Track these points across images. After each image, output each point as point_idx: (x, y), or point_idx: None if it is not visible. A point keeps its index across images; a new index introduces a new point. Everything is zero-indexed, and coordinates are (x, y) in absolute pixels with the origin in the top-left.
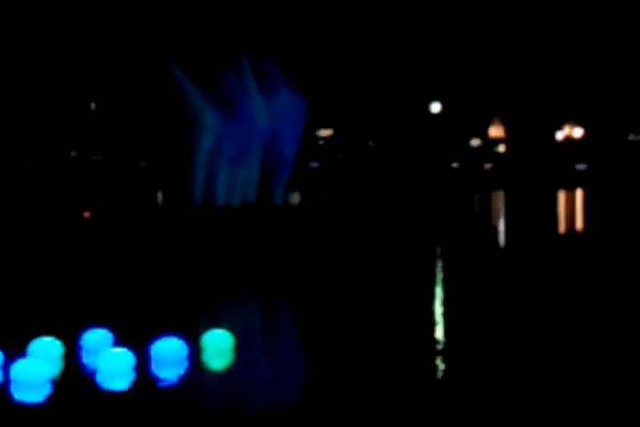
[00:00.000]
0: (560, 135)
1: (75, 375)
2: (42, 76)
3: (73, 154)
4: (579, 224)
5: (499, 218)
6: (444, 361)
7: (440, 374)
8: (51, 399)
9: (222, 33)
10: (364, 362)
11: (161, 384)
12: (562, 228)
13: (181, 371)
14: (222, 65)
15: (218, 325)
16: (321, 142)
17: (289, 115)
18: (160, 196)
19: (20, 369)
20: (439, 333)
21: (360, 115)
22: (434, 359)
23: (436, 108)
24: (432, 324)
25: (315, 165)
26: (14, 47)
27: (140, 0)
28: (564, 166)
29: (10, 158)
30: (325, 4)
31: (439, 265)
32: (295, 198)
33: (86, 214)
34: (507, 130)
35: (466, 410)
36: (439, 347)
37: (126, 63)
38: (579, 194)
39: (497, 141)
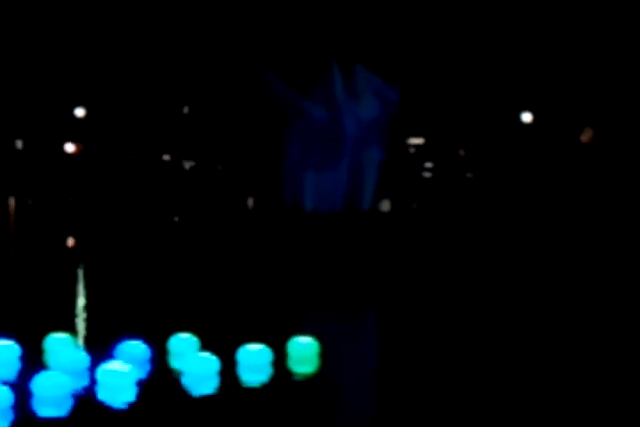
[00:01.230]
0: None
1: (160, 379)
2: (138, 79)
3: (165, 158)
4: None
5: None
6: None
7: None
8: (136, 403)
9: (314, 38)
10: (450, 374)
11: (247, 387)
12: None
13: (266, 377)
14: (312, 71)
15: (303, 332)
16: (411, 150)
17: (379, 121)
18: (251, 201)
19: (105, 372)
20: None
21: (452, 123)
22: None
23: (527, 117)
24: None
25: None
26: (111, 50)
27: (231, 5)
28: None
29: (104, 163)
30: (421, 9)
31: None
32: (385, 206)
33: (176, 218)
34: None
35: None
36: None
37: (219, 68)
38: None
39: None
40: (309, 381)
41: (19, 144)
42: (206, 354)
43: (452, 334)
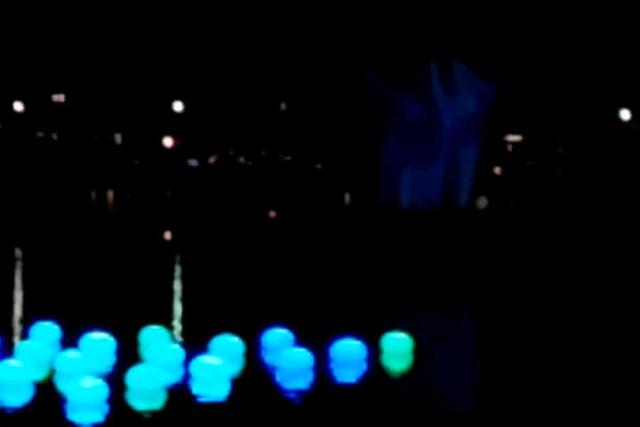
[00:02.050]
0: None
1: (255, 374)
2: (237, 74)
3: (263, 153)
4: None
5: None
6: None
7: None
8: (229, 397)
9: (411, 34)
10: (545, 371)
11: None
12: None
13: (360, 373)
14: (409, 67)
15: (398, 327)
16: (509, 148)
17: (476, 118)
18: (347, 197)
19: (199, 366)
20: None
21: (550, 121)
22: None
23: (625, 115)
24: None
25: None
26: (210, 46)
27: (329, 2)
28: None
29: (202, 157)
30: (518, 4)
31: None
32: (482, 203)
33: (272, 214)
34: None
35: None
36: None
37: (317, 65)
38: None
39: None
40: (403, 377)
41: (118, 138)
42: (300, 349)
43: (548, 330)
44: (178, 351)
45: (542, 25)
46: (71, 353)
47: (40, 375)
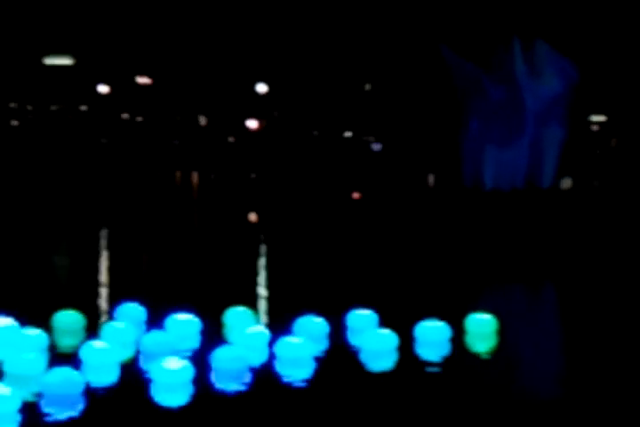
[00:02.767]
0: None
1: (339, 355)
2: (319, 56)
3: (347, 134)
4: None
5: None
6: None
7: None
8: (314, 378)
9: (494, 14)
10: (629, 358)
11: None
12: None
13: (444, 353)
14: (493, 47)
15: (483, 309)
16: (595, 128)
17: (560, 98)
18: (432, 178)
19: (284, 346)
20: None
21: (635, 101)
22: None
23: None
24: None
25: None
26: (293, 29)
27: None
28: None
29: (286, 139)
30: None
31: None
32: (567, 183)
33: (356, 195)
34: None
35: None
36: None
37: (400, 45)
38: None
39: None
40: (488, 358)
41: (202, 120)
42: (385, 330)
43: (631, 313)
44: (262, 333)
45: (627, 4)
46: (156, 334)
47: (125, 356)
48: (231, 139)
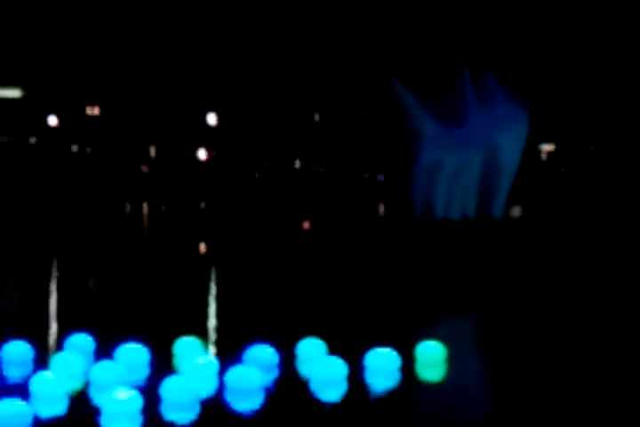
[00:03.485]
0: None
1: (289, 384)
2: (269, 86)
3: (297, 164)
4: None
5: None
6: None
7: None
8: (265, 407)
9: (443, 45)
10: (572, 381)
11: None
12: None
13: (394, 382)
14: (443, 78)
15: (432, 336)
16: (543, 157)
17: (510, 127)
18: (382, 208)
19: (234, 376)
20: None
21: (583, 130)
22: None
23: None
24: None
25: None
26: (244, 59)
27: (362, 13)
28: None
29: (236, 169)
30: (550, 18)
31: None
32: (517, 212)
33: (306, 225)
34: None
35: None
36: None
37: (349, 75)
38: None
39: None
40: (437, 386)
41: (152, 151)
42: (334, 359)
43: (578, 338)
44: (212, 363)
45: (571, 35)
46: (106, 364)
47: (75, 387)
48: (181, 169)
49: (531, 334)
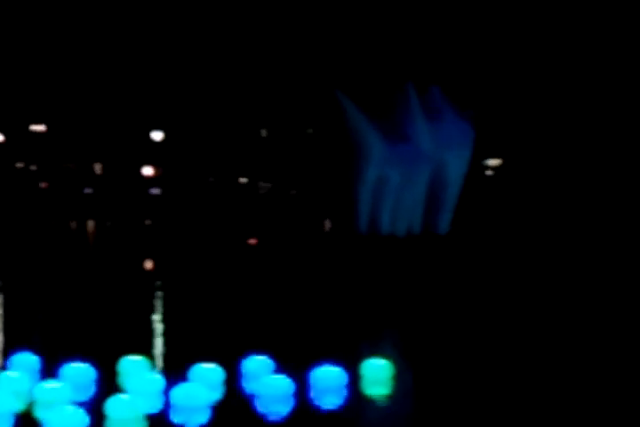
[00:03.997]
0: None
1: (235, 401)
2: (214, 102)
3: (242, 180)
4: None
5: None
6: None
7: None
8: (210, 424)
9: (388, 61)
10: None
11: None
12: None
13: (340, 399)
14: (388, 93)
15: (378, 353)
16: (489, 172)
17: (456, 143)
18: (327, 223)
19: (180, 394)
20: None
21: (526, 145)
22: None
23: (604, 139)
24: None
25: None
26: (187, 74)
27: (308, 29)
28: None
29: (180, 185)
30: (498, 33)
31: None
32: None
33: (252, 241)
34: None
35: None
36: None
37: (294, 90)
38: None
39: None
40: (384, 403)
41: (97, 168)
42: (280, 376)
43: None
44: (157, 380)
45: (516, 47)
46: (51, 383)
47: (20, 406)
48: (126, 186)
49: (473, 347)
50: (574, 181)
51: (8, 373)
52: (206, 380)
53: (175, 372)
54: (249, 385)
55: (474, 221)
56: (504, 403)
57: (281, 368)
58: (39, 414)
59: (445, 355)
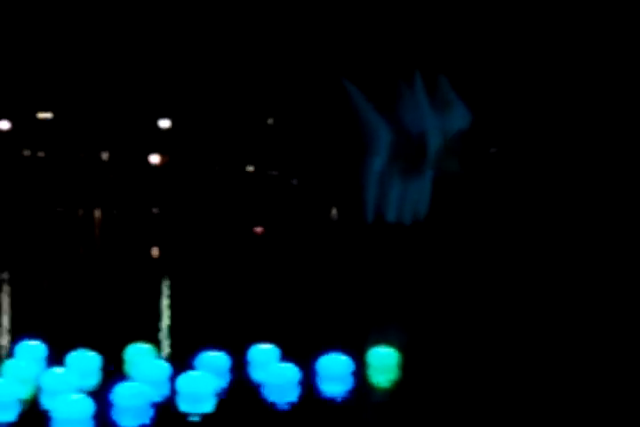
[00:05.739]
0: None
1: (241, 389)
2: (222, 90)
3: (249, 169)
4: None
5: None
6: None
7: None
8: (216, 412)
9: (396, 49)
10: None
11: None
12: None
13: (347, 387)
14: (395, 81)
15: (385, 342)
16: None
17: (463, 132)
18: (334, 212)
19: (186, 382)
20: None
21: (527, 134)
22: None
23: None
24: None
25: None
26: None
27: (316, 16)
28: None
29: (188, 173)
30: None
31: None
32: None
33: (258, 230)
34: None
35: None
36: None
37: (302, 79)
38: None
39: None
40: (390, 391)
41: (104, 156)
42: (287, 364)
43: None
44: (164, 368)
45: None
46: (57, 371)
47: (26, 393)
48: (133, 174)
49: (480, 335)
50: (574, 176)
51: (15, 360)
52: (213, 368)
53: (181, 359)
54: (255, 373)
55: (476, 211)
56: (509, 391)
57: (287, 356)
58: (45, 401)
59: (451, 343)
